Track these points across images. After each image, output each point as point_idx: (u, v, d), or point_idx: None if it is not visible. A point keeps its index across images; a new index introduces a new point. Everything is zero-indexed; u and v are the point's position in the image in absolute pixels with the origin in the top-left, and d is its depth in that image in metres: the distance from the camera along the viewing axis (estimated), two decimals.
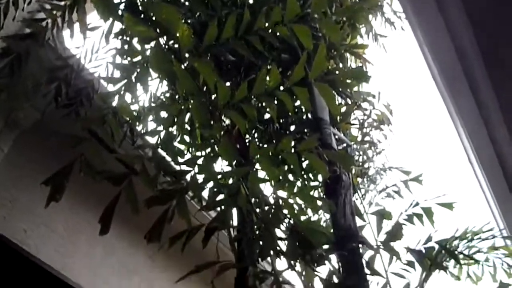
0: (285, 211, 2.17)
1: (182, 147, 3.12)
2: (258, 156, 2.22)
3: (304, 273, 2.16)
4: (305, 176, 3.46)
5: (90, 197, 3.75)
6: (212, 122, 2.16)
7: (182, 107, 2.49)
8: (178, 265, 4.66)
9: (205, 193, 2.51)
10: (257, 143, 3.04)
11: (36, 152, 3.58)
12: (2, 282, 3.12)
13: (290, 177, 3.00)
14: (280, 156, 2.22)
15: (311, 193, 3.01)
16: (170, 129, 3.01)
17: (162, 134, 2.85)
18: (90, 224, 3.95)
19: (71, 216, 3.78)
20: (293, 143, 2.30)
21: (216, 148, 2.53)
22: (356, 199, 3.73)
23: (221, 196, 2.33)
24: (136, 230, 4.34)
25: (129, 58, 2.72)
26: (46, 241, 3.50)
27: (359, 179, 4.31)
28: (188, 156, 3.09)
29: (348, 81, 3.37)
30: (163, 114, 2.78)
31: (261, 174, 2.40)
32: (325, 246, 2.52)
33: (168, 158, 2.74)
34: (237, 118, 2.17)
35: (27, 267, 3.28)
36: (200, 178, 2.37)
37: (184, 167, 2.36)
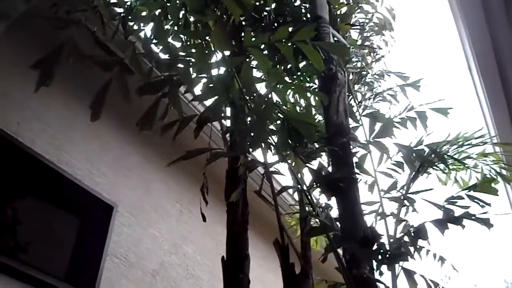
0: (277, 102, 2.15)
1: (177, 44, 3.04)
2: (252, 47, 2.15)
3: (294, 164, 2.19)
4: (300, 78, 3.42)
5: (85, 95, 3.73)
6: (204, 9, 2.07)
7: None
8: (173, 167, 4.75)
9: (197, 90, 2.49)
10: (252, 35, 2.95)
11: (26, 46, 3.49)
12: None
13: (287, 79, 2.96)
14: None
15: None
16: (165, 25, 2.91)
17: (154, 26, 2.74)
18: (85, 121, 3.96)
19: (65, 112, 3.78)
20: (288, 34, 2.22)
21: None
22: (352, 106, 3.72)
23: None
24: (132, 131, 4.38)
25: None
26: (40, 134, 3.52)
27: (356, 86, 4.27)
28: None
29: None
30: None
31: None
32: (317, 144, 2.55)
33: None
34: (232, 5, 2.08)
35: (22, 159, 3.33)
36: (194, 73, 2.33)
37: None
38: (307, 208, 2.53)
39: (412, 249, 2.30)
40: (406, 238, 2.37)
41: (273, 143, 2.23)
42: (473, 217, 2.05)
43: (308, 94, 2.46)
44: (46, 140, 3.55)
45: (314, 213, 2.18)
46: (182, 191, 4.74)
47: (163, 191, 4.54)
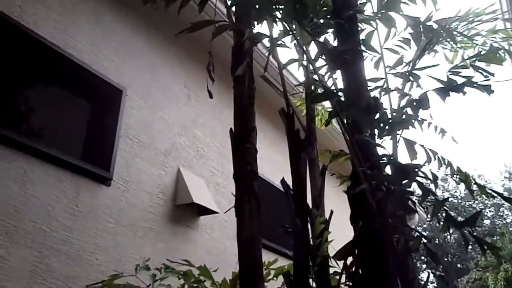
0: None
1: None
2: None
3: (299, 37, 2.19)
4: None
5: None
6: None
7: None
8: (179, 51, 4.74)
9: None
10: None
11: None
12: (2, 59, 3.20)
13: None
14: None
15: None
16: None
17: None
18: (87, 4, 3.89)
19: None
20: None
21: None
22: None
23: None
24: (135, 15, 4.30)
25: None
26: (45, 18, 3.48)
27: None
28: None
29: None
30: None
31: None
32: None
33: None
34: None
35: (29, 43, 3.33)
36: None
37: None
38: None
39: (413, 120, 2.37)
40: (409, 110, 2.43)
41: (279, 17, 2.21)
42: (475, 85, 2.08)
43: None
44: (51, 24, 3.52)
45: (318, 81, 2.22)
46: (189, 75, 4.77)
47: (170, 75, 4.58)
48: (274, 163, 5.47)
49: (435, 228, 25.35)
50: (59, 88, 3.56)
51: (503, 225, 27.23)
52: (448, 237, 27.05)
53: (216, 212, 4.47)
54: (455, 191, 29.30)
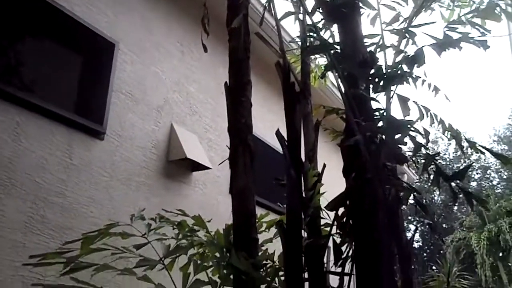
0: None
1: None
2: None
3: None
4: None
5: None
6: None
7: None
8: (174, 8, 4.65)
9: None
10: None
11: None
12: None
13: None
14: None
15: None
16: None
17: None
18: None
19: None
20: None
21: None
22: None
23: None
24: None
25: None
26: None
27: None
28: None
29: None
30: None
31: None
32: None
33: None
34: None
35: None
36: None
37: None
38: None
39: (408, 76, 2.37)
40: (404, 67, 2.43)
41: None
42: (471, 40, 2.08)
43: None
44: None
45: (315, 33, 2.21)
46: (184, 32, 4.70)
47: (165, 31, 4.51)
48: (266, 121, 5.49)
49: (423, 189, 25.81)
50: (51, 41, 3.49)
51: (489, 187, 27.78)
52: (436, 198, 27.60)
53: (209, 168, 4.51)
54: (445, 153, 29.68)
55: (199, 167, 4.46)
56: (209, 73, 4.96)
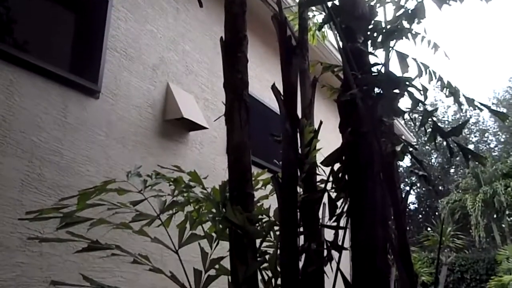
0: None
1: None
2: None
3: None
4: None
5: None
6: None
7: None
8: None
9: None
10: None
11: None
12: None
13: None
14: None
15: None
16: None
17: None
18: None
19: None
20: None
21: None
22: None
23: None
24: None
25: None
26: None
27: None
28: None
29: None
30: None
31: None
32: None
33: None
34: None
35: None
36: None
37: None
38: None
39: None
40: (404, 23, 2.37)
41: None
42: None
43: None
44: None
45: None
46: None
47: None
48: (263, 81, 5.43)
49: (420, 152, 25.96)
50: None
51: (487, 150, 27.95)
52: (433, 160, 27.78)
53: (205, 128, 4.49)
54: (443, 116, 29.70)
55: (195, 126, 4.44)
56: (205, 31, 4.87)
